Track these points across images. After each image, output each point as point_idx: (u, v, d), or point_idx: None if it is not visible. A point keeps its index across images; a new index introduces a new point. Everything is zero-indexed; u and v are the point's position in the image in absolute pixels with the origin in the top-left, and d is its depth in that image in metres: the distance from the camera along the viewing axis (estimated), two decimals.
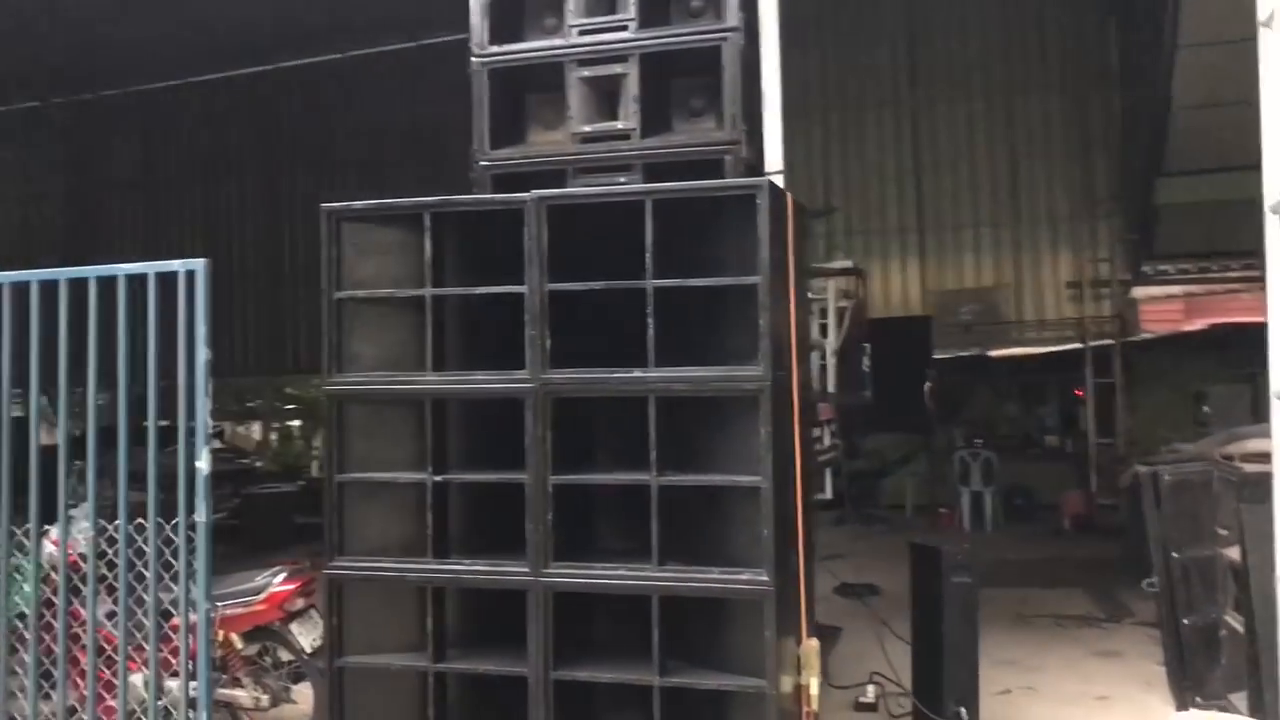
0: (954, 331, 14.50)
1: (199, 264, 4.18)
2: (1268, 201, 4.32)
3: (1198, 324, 18.54)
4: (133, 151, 20.33)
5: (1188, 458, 5.94)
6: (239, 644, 5.38)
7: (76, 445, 4.83)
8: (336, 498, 4.26)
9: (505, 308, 4.24)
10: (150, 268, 4.24)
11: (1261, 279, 13.67)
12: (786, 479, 4.02)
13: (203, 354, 4.14)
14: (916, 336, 11.26)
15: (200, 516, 4.10)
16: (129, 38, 15.43)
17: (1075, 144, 14.94)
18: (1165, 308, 18.21)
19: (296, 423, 27.16)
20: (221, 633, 5.26)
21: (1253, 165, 11.65)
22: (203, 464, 4.13)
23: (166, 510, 4.35)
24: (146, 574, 4.41)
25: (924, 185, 15.55)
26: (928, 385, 10.26)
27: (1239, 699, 5.60)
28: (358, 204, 4.34)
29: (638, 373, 3.97)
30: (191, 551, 4.18)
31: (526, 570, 4.03)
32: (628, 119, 4.71)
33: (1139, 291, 15.39)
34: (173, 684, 4.74)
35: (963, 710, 5.13)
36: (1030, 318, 15.19)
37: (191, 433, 4.17)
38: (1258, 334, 14.55)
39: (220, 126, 19.58)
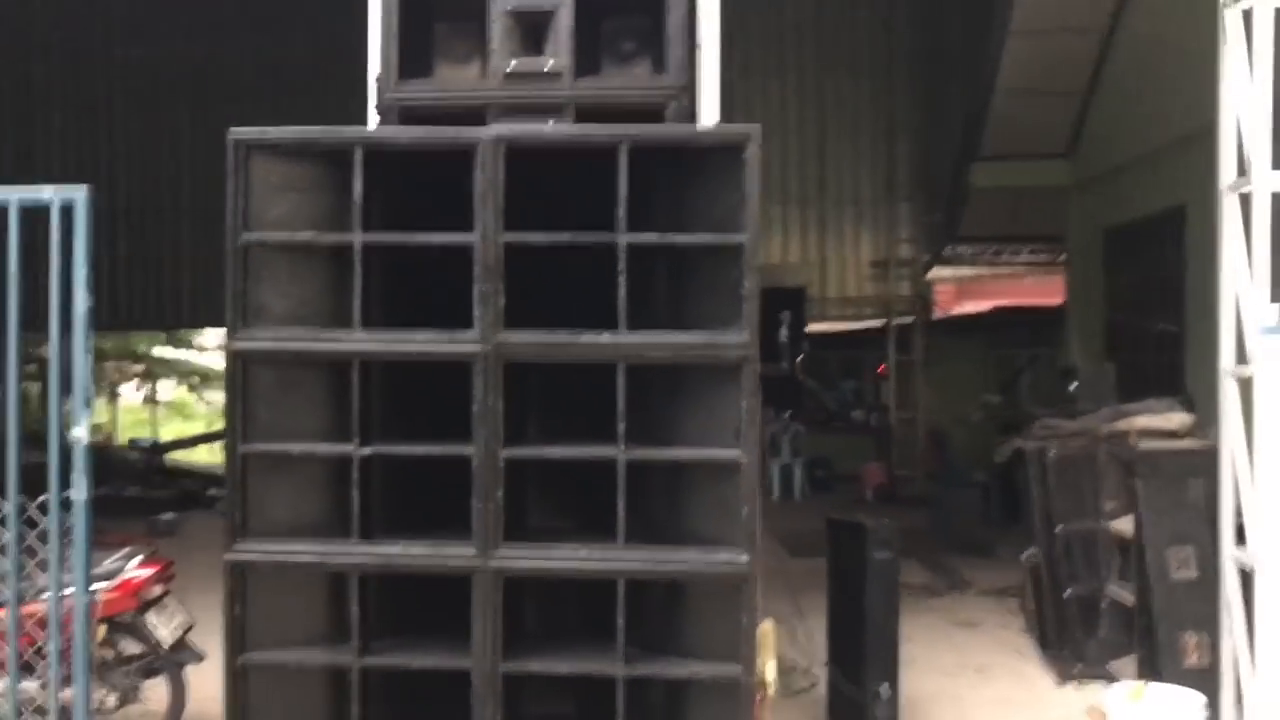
0: None
1: (78, 192, 3.50)
2: (1222, 181, 4.36)
3: (969, 307, 19.67)
4: None
5: (1070, 433, 6.10)
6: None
7: None
8: (239, 471, 3.68)
9: (426, 260, 3.79)
10: (10, 196, 3.52)
11: (1049, 264, 14.41)
12: (758, 454, 3.75)
13: (83, 301, 3.47)
14: (791, 307, 11.18)
15: (79, 494, 3.44)
16: None
17: (880, 127, 15.35)
18: (940, 290, 19.16)
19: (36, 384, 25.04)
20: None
21: (1058, 153, 12.26)
22: (81, 432, 3.47)
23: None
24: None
25: None
26: (800, 358, 10.25)
27: (1119, 666, 5.79)
28: (272, 131, 3.75)
29: (608, 336, 3.60)
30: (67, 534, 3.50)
31: (473, 552, 3.60)
32: (559, 57, 4.30)
33: (935, 273, 16.06)
34: (30, 685, 4.04)
35: (884, 688, 5.05)
36: (833, 295, 15.57)
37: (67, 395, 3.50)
38: (1040, 316, 15.46)
39: None
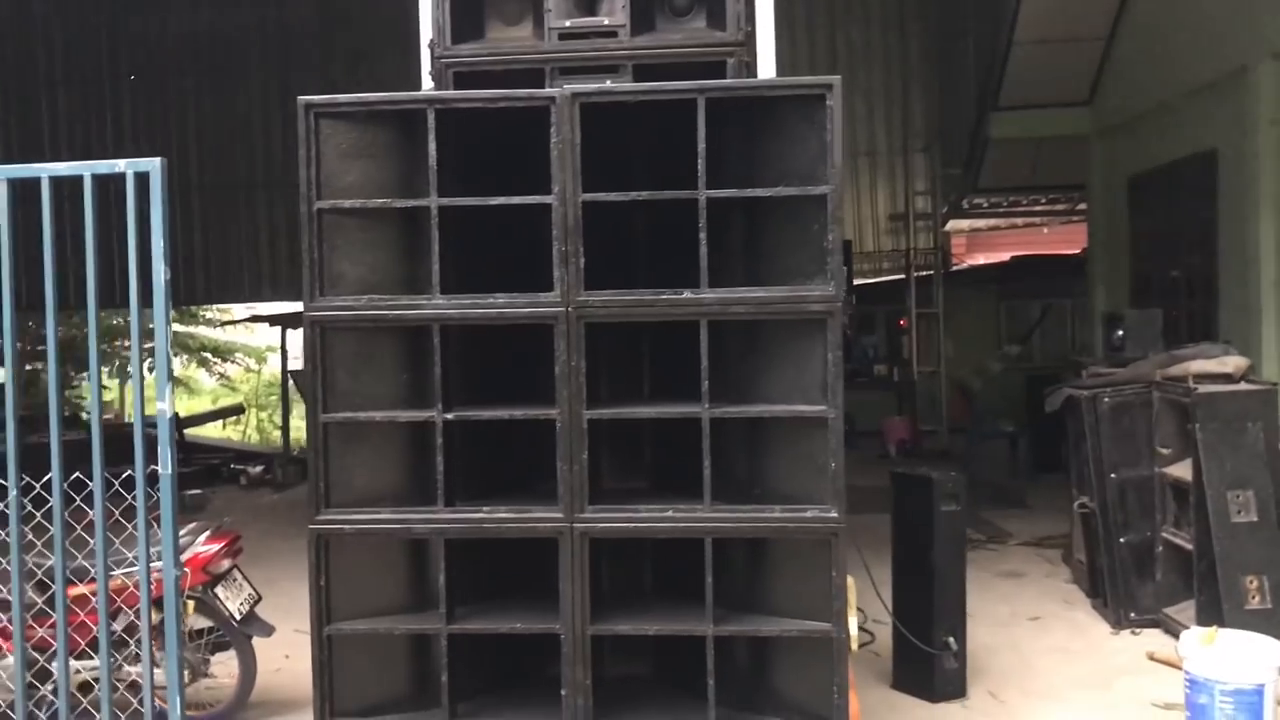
0: None
1: (153, 164, 3.46)
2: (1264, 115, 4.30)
3: (978, 259, 19.60)
4: None
5: (1122, 380, 6.08)
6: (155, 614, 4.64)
7: None
8: (321, 442, 3.67)
9: (501, 223, 3.76)
10: (86, 168, 3.47)
11: (1070, 213, 14.27)
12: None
13: (161, 273, 3.44)
14: None
15: (165, 468, 3.42)
16: None
17: (895, 78, 15.23)
18: (970, 240, 19.09)
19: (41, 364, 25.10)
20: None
21: (1079, 101, 12.10)
22: (165, 405, 3.45)
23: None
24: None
25: None
26: (849, 315, 10.22)
27: (1175, 611, 5.81)
28: (342, 98, 3.70)
29: (689, 294, 3.57)
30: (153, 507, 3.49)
31: (560, 515, 3.59)
32: (614, 14, 4.24)
33: (953, 225, 15.99)
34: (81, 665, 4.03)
35: (952, 640, 5.07)
36: (853, 250, 15.49)
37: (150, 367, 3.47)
38: (1053, 265, 15.34)
39: None
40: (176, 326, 22.81)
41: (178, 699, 3.56)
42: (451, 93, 3.86)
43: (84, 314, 3.65)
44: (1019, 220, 16.92)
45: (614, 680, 3.94)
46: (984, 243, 20.01)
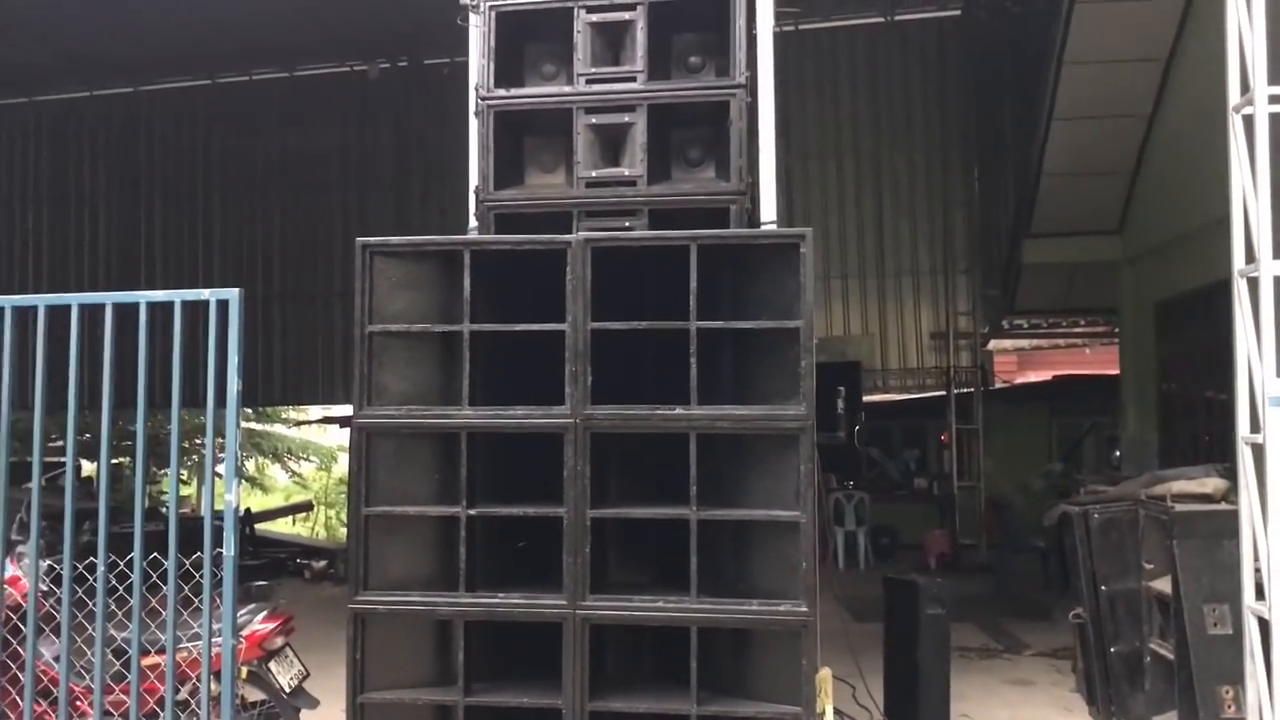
0: None
1: (232, 293, 4.13)
2: (1235, 265, 4.80)
3: (1031, 376, 19.92)
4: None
5: (1112, 498, 6.46)
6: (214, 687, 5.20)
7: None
8: (362, 531, 4.24)
9: (526, 345, 4.35)
10: (177, 295, 4.16)
11: (1105, 335, 14.61)
12: (815, 514, 4.22)
13: (234, 384, 4.08)
14: (847, 381, 11.69)
15: (228, 550, 4.02)
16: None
17: (936, 202, 15.84)
18: (1003, 359, 19.46)
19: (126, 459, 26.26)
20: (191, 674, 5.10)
21: (1110, 230, 12.56)
22: (232, 497, 4.06)
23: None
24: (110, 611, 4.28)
25: None
26: (857, 428, 10.71)
27: (1162, 719, 6.10)
28: (393, 240, 4.37)
29: (680, 410, 4.12)
30: (216, 585, 4.08)
31: (564, 603, 4.11)
32: (634, 166, 4.89)
33: (996, 344, 16.40)
34: None
35: None
36: (894, 366, 15.97)
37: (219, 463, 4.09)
38: (1098, 384, 15.56)
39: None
40: (254, 425, 23.88)
41: None
42: (484, 236, 4.51)
43: (168, 412, 4.29)
44: (1060, 341, 17.27)
45: None
46: (1035, 361, 20.36)
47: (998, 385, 17.21)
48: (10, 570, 5.04)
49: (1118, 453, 6.69)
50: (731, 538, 4.23)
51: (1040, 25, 11.29)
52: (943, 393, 15.21)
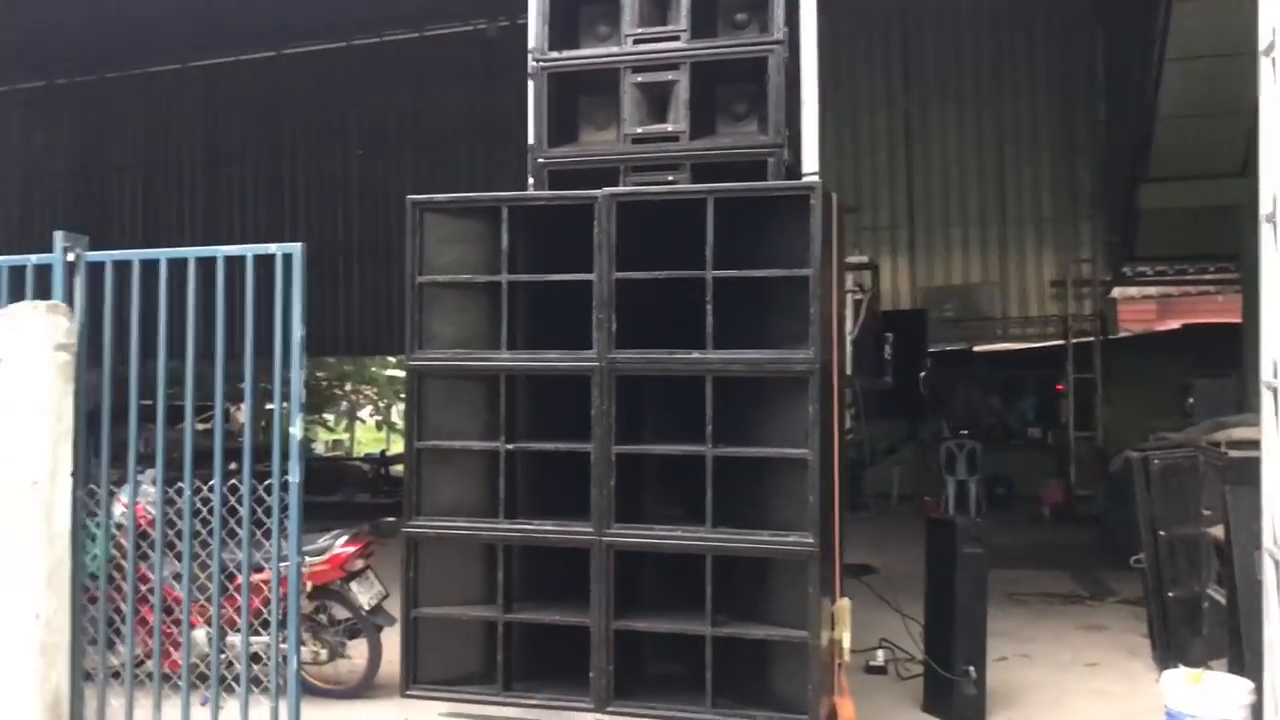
0: (941, 326, 15.05)
1: (295, 247, 4.57)
2: (1263, 210, 4.78)
3: (1171, 324, 19.26)
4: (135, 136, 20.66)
5: (1175, 444, 6.43)
6: (305, 604, 5.78)
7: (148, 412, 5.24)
8: (415, 463, 4.67)
9: (565, 293, 4.67)
10: (248, 250, 4.62)
11: (1235, 282, 14.15)
12: (828, 453, 4.45)
13: (298, 331, 4.53)
14: (912, 329, 11.73)
15: (294, 477, 4.49)
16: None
17: (1060, 148, 15.48)
18: (1141, 308, 18.88)
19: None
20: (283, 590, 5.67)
21: (1232, 173, 12.16)
22: (296, 430, 4.52)
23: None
24: (214, 535, 4.81)
25: (915, 185, 16.09)
26: (922, 375, 10.79)
27: (1219, 665, 6.10)
28: (440, 196, 4.73)
29: (697, 354, 4.40)
30: (285, 509, 4.57)
31: (591, 531, 4.46)
32: (678, 122, 5.13)
33: (1118, 291, 15.99)
34: (235, 639, 5.12)
35: (971, 669, 5.61)
36: (1014, 314, 15.76)
37: (287, 400, 4.56)
38: (1228, 333, 15.11)
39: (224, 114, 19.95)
40: (395, 372, 25.05)
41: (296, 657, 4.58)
42: (520, 194, 4.82)
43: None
44: (1191, 289, 16.70)
45: (649, 676, 4.76)
46: (1175, 309, 19.69)
47: (1123, 334, 16.75)
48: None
49: (1190, 400, 6.62)
50: (750, 475, 4.49)
51: None
52: (1061, 342, 14.96)
